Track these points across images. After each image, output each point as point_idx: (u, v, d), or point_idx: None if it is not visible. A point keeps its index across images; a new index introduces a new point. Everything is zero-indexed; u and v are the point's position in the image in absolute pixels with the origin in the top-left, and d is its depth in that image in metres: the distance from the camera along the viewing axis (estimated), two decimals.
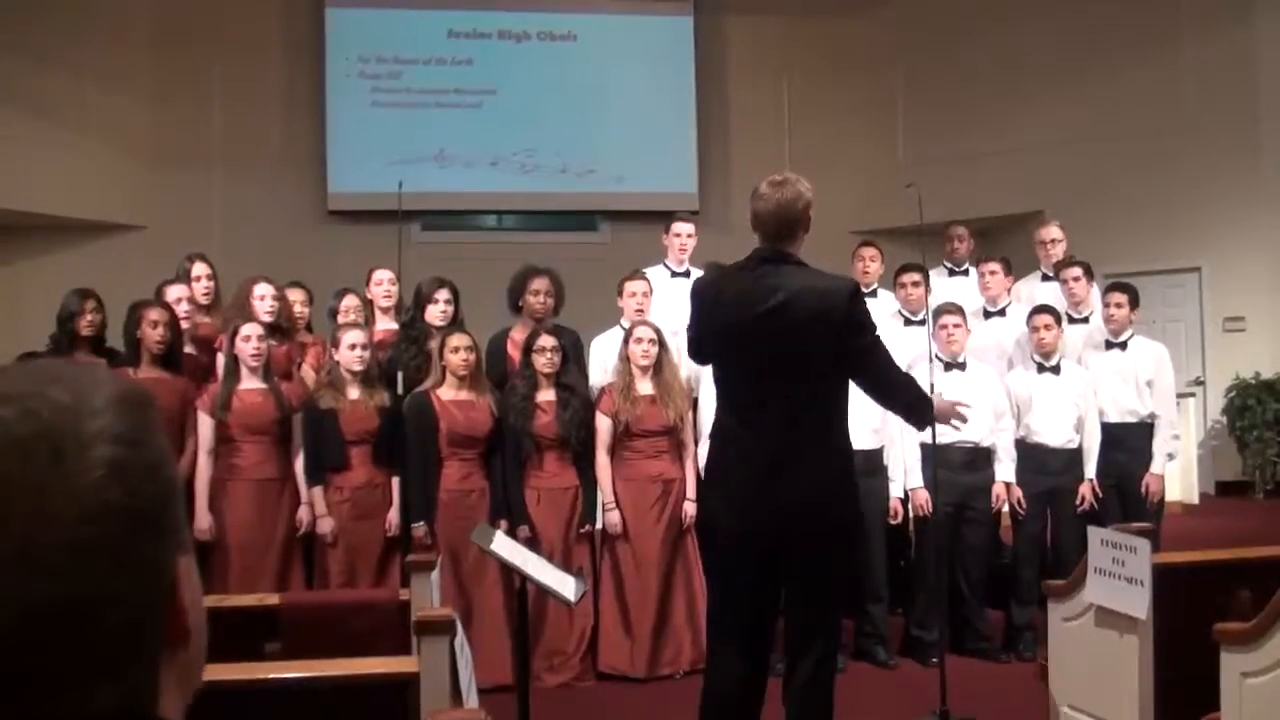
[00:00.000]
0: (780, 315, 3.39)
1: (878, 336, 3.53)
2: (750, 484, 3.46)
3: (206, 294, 6.08)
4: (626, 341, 5.57)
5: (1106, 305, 5.95)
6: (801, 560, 3.48)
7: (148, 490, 0.74)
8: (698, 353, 3.77)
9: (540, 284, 5.84)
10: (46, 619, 0.69)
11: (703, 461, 5.21)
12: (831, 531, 3.50)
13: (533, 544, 5.02)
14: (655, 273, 6.26)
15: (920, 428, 4.19)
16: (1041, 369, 5.81)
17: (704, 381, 5.33)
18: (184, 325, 5.60)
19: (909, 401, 3.65)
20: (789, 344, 3.40)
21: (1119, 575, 3.80)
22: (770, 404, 3.45)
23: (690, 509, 5.46)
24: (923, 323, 5.75)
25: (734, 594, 3.56)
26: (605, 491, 5.49)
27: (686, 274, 6.28)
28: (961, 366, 5.71)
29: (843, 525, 3.55)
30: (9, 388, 0.73)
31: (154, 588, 0.74)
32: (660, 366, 5.52)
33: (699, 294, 3.66)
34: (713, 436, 3.77)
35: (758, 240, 3.56)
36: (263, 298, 5.76)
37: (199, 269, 6.10)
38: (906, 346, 6.08)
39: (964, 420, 3.89)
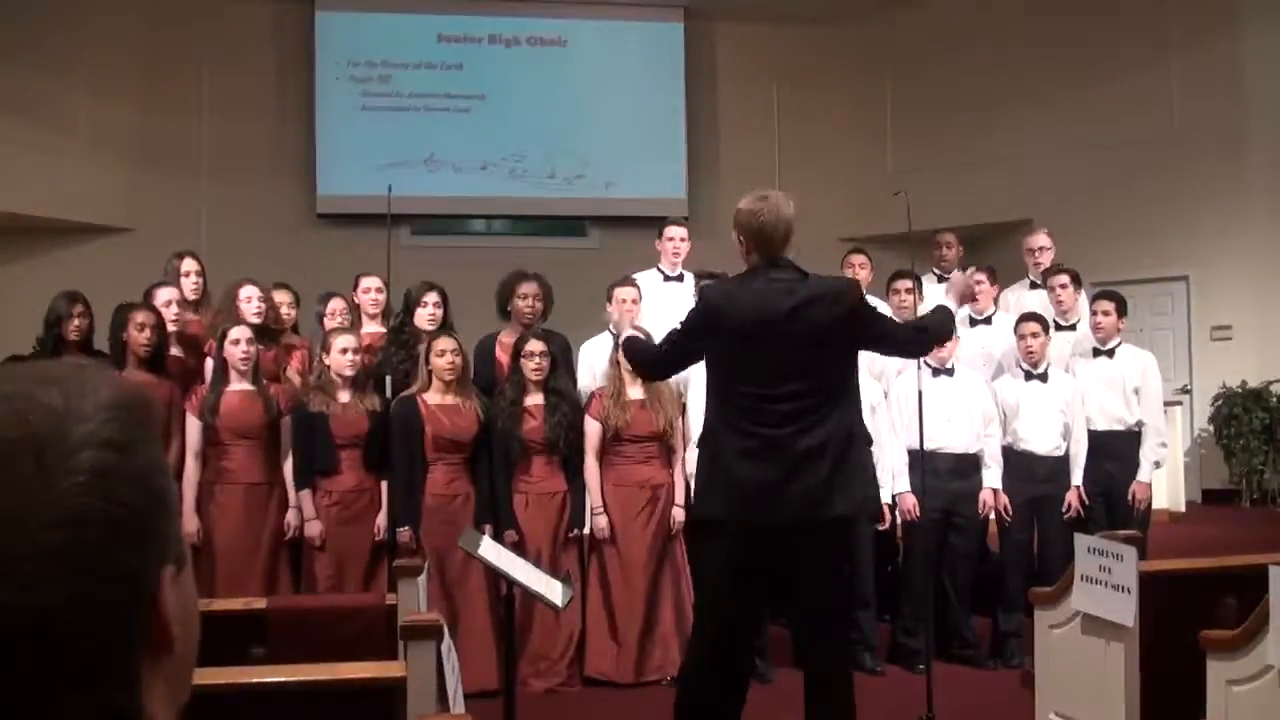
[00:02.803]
0: (803, 315, 3.54)
1: (885, 315, 4.11)
2: (763, 480, 3.50)
3: (195, 290, 6.04)
4: (616, 347, 5.56)
5: (1094, 313, 5.96)
6: (808, 556, 3.53)
7: (131, 498, 0.72)
8: (675, 353, 3.84)
9: (529, 289, 5.84)
10: (17, 626, 0.67)
11: (691, 467, 5.24)
12: (838, 525, 3.58)
13: (519, 548, 5.02)
14: (648, 276, 6.25)
15: (948, 338, 4.39)
16: (1029, 376, 5.82)
17: (693, 387, 5.33)
18: (172, 325, 5.57)
19: (939, 337, 4.03)
20: (811, 342, 3.53)
21: (1106, 582, 3.82)
22: (789, 403, 3.52)
23: (679, 514, 5.47)
24: None
25: (730, 593, 3.60)
26: (594, 496, 5.49)
27: (680, 278, 6.29)
28: (950, 372, 5.73)
29: (848, 517, 3.66)
30: (2, 387, 0.72)
31: (132, 597, 0.72)
32: None
33: (714, 302, 3.72)
34: (706, 440, 3.73)
35: (745, 252, 3.72)
36: (249, 300, 5.76)
37: (188, 265, 6.08)
38: None
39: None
